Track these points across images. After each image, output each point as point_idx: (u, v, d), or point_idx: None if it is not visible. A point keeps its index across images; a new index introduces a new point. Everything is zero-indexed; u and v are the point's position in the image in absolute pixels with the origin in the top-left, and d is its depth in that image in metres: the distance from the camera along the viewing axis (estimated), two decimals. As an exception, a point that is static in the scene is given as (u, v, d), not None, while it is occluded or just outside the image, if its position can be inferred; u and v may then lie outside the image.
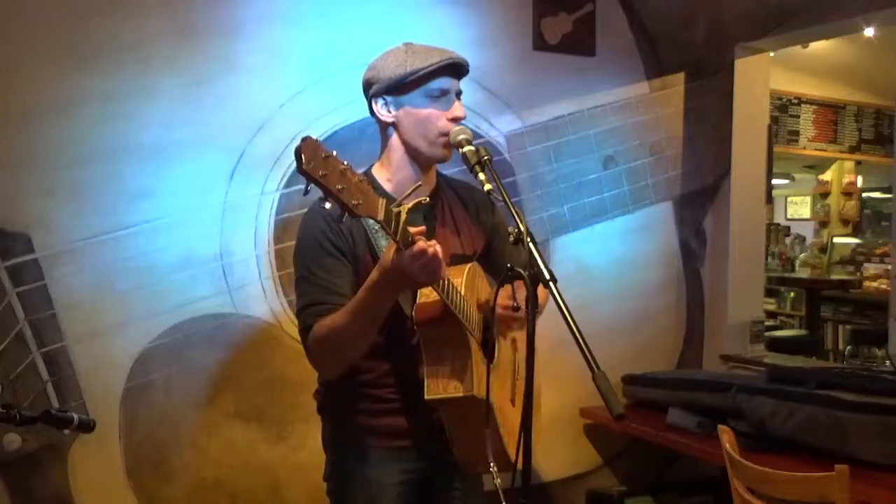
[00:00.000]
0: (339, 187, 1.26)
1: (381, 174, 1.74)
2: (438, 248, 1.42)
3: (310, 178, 1.24)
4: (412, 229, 1.41)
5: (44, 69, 2.31)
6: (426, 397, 1.61)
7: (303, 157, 1.22)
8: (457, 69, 1.67)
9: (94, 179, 2.38)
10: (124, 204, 2.42)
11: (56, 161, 2.33)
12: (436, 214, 1.77)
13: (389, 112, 1.69)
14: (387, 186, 1.72)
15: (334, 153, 1.27)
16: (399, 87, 1.66)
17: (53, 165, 2.33)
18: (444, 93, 1.66)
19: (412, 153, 1.71)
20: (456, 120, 1.66)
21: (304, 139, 1.23)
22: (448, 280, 1.55)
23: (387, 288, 1.48)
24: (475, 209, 1.84)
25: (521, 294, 1.70)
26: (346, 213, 1.30)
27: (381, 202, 1.34)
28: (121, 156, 2.41)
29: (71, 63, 2.34)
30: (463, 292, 1.60)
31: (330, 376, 1.75)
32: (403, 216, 1.37)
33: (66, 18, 2.33)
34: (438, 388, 1.61)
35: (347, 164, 1.29)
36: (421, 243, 1.39)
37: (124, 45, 2.40)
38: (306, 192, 1.27)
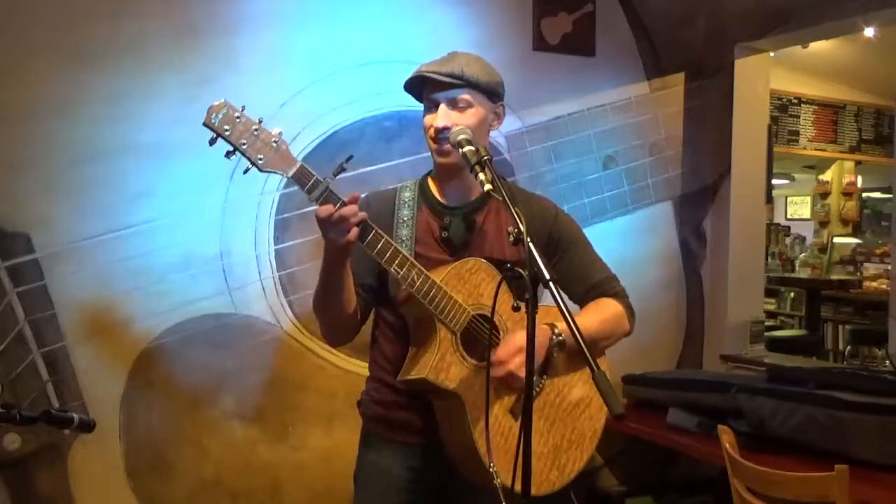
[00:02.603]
0: (244, 143, 1.48)
1: (431, 178, 1.83)
2: (352, 211, 1.50)
3: (212, 131, 1.46)
4: (347, 198, 1.51)
5: (44, 69, 2.31)
6: (398, 377, 1.68)
7: (209, 113, 1.45)
8: (434, 82, 1.68)
9: (95, 179, 2.38)
10: (124, 204, 2.42)
11: (56, 161, 2.34)
12: (475, 218, 1.78)
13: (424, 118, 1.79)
14: (432, 187, 1.80)
15: (258, 121, 1.47)
16: (417, 98, 1.78)
17: (54, 165, 2.33)
18: (434, 103, 1.71)
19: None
20: (437, 129, 1.68)
21: (221, 101, 1.46)
22: (409, 263, 1.59)
23: (326, 249, 1.58)
24: (527, 223, 1.82)
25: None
26: (253, 166, 1.49)
27: (298, 164, 1.51)
28: (121, 156, 2.41)
29: (71, 63, 2.34)
30: (441, 280, 1.62)
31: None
32: (329, 181, 1.50)
33: (66, 18, 2.34)
34: (406, 369, 1.67)
35: (271, 131, 1.49)
36: (327, 206, 1.49)
37: (124, 45, 2.40)
38: (210, 142, 1.48)
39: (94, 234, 2.39)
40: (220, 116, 1.47)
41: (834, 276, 6.07)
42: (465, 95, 1.70)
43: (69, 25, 2.34)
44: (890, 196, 7.33)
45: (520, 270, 1.39)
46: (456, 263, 1.68)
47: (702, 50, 3.50)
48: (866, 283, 5.77)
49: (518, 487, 1.34)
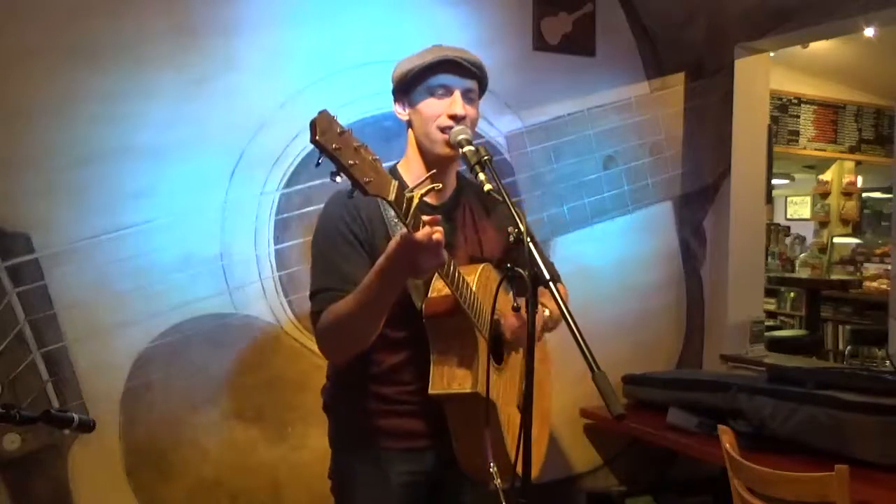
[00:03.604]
0: (352, 163, 1.28)
1: (402, 170, 1.78)
2: (441, 235, 1.43)
3: (322, 150, 1.26)
4: (425, 217, 1.42)
5: (43, 69, 2.31)
6: (430, 391, 1.62)
7: (317, 129, 1.25)
8: (458, 67, 1.67)
9: (94, 179, 2.38)
10: (124, 204, 2.42)
11: (56, 161, 2.33)
12: (455, 216, 1.78)
13: (404, 110, 1.74)
14: (408, 181, 1.73)
15: (350, 130, 1.29)
16: (405, 86, 1.71)
17: (53, 165, 2.33)
18: (446, 90, 1.67)
19: (422, 151, 1.73)
20: (454, 117, 1.65)
21: (321, 112, 1.26)
22: (461, 276, 1.56)
23: (392, 273, 1.48)
24: (496, 214, 1.83)
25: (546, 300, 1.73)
26: (358, 190, 1.31)
27: (394, 184, 1.36)
28: (120, 155, 2.40)
29: (70, 63, 2.34)
30: (475, 290, 1.61)
31: (337, 362, 1.77)
32: (415, 201, 1.38)
33: (65, 18, 2.33)
34: (443, 382, 1.62)
35: (362, 143, 1.31)
36: (426, 229, 1.40)
37: (124, 45, 2.40)
38: (318, 163, 1.29)
39: (93, 234, 2.38)
40: (328, 133, 1.27)
41: (834, 276, 6.08)
42: (475, 87, 1.71)
43: (68, 24, 2.34)
44: (890, 196, 7.33)
45: (520, 270, 1.40)
46: (479, 271, 1.66)
47: (702, 50, 3.50)
48: (866, 283, 5.77)
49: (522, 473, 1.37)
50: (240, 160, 2.56)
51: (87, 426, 1.58)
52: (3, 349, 2.29)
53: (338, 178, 1.29)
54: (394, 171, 1.76)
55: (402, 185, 1.39)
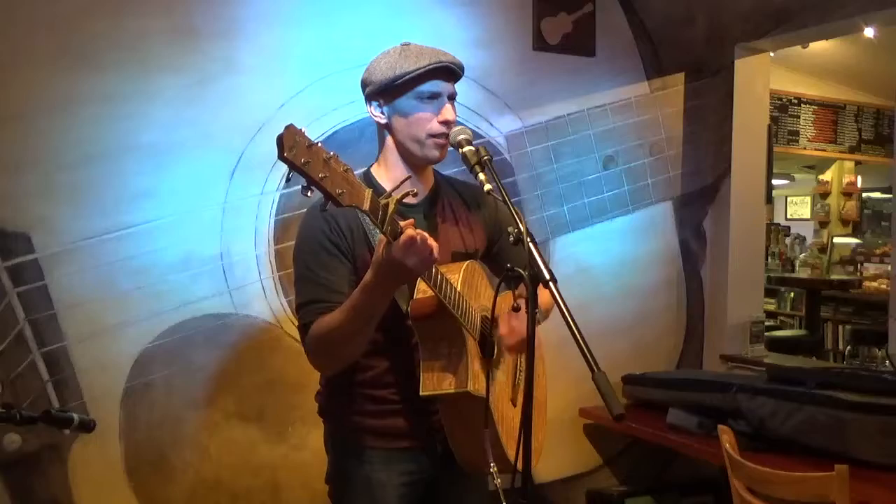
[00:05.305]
0: (322, 175, 1.27)
1: (378, 173, 1.75)
2: (427, 235, 1.43)
3: (291, 166, 1.25)
4: (402, 222, 1.41)
5: (44, 69, 2.31)
6: (420, 393, 1.62)
7: (283, 145, 1.23)
8: (448, 72, 1.67)
9: (95, 179, 2.38)
10: (125, 204, 2.42)
11: (56, 161, 2.33)
12: (436, 213, 1.77)
13: (382, 114, 1.71)
14: (385, 185, 1.72)
15: (318, 143, 1.28)
16: (389, 90, 1.67)
17: (54, 165, 2.33)
18: (434, 96, 1.66)
19: (405, 154, 1.72)
20: (446, 123, 1.65)
21: (287, 127, 1.24)
22: (443, 276, 1.56)
23: (382, 284, 1.48)
24: (477, 207, 1.84)
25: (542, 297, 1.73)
26: (331, 202, 1.30)
27: (368, 193, 1.35)
28: (121, 156, 2.41)
29: (72, 63, 2.34)
30: (459, 289, 1.61)
31: (328, 374, 1.77)
32: (391, 207, 1.37)
33: (67, 19, 2.33)
34: (433, 383, 1.62)
35: (333, 154, 1.30)
36: (409, 231, 1.40)
37: (125, 46, 2.40)
38: (288, 178, 1.28)
39: (94, 234, 2.38)
40: (296, 148, 1.24)
41: (834, 276, 6.08)
42: (455, 89, 1.71)
43: (70, 26, 2.34)
44: (890, 196, 7.33)
45: (519, 270, 1.40)
46: (463, 270, 1.66)
47: (702, 50, 3.50)
48: (866, 283, 5.77)
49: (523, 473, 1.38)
50: (240, 161, 2.56)
51: (87, 426, 1.58)
52: (3, 349, 2.29)
53: (309, 193, 1.29)
54: (367, 176, 1.74)
55: (377, 193, 1.38)
